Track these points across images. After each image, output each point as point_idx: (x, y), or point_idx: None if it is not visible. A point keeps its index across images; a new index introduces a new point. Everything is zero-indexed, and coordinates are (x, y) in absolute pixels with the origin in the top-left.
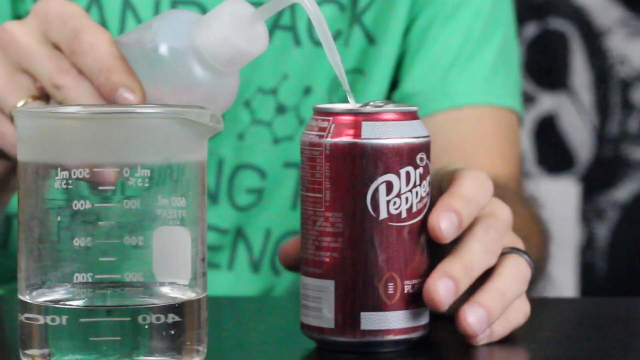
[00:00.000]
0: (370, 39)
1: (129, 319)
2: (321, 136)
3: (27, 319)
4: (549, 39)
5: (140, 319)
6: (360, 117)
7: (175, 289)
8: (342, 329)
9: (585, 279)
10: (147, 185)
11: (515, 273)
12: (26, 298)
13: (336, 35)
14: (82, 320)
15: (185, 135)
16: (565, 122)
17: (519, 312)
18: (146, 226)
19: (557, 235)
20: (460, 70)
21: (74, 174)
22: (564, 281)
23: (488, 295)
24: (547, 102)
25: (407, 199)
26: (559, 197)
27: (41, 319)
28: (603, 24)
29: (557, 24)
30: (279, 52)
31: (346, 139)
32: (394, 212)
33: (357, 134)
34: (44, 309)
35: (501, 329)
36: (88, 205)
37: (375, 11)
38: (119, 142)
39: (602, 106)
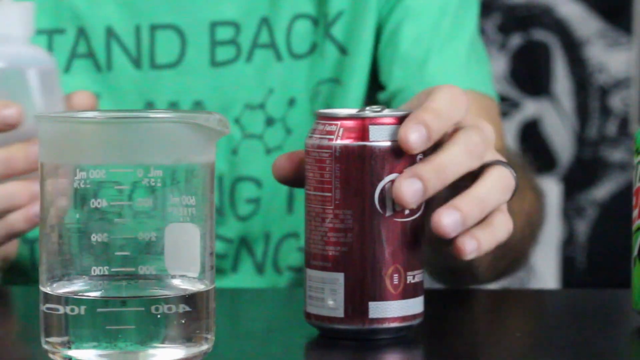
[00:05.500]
0: (343, 50)
1: (142, 309)
2: (330, 139)
3: (48, 309)
4: (533, 49)
5: (153, 309)
6: (366, 121)
7: (185, 281)
8: (351, 318)
9: (567, 272)
10: (159, 184)
11: (497, 181)
12: (47, 289)
13: (313, 48)
14: (99, 310)
15: (195, 138)
16: (548, 126)
17: (502, 228)
18: (158, 223)
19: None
20: (436, 62)
21: (91, 174)
22: (547, 274)
23: (465, 200)
24: (531, 107)
25: None
26: None
27: (61, 309)
28: (583, 35)
29: (540, 35)
30: (262, 69)
31: (355, 141)
32: (398, 209)
33: (365, 137)
34: (64, 300)
35: (487, 242)
36: (104, 204)
37: (345, 24)
38: (133, 144)
39: (582, 111)
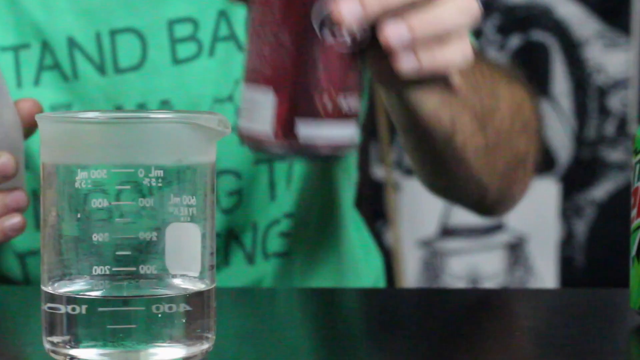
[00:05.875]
0: None
1: (143, 308)
2: None
3: (49, 308)
4: (532, 50)
5: (154, 308)
6: None
7: (186, 281)
8: (279, 136)
9: (565, 272)
10: (160, 184)
11: (457, 3)
12: (48, 289)
13: None
14: (100, 309)
15: (195, 138)
16: (547, 127)
17: (457, 52)
18: (159, 223)
19: (539, 231)
20: None
21: (93, 174)
22: (546, 273)
23: (418, 14)
24: None
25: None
26: (541, 196)
27: (62, 309)
28: (581, 36)
29: (539, 35)
30: (226, 62)
31: None
32: (339, 37)
33: None
34: (65, 299)
35: (430, 61)
36: (106, 204)
37: None
38: (134, 144)
39: (581, 112)
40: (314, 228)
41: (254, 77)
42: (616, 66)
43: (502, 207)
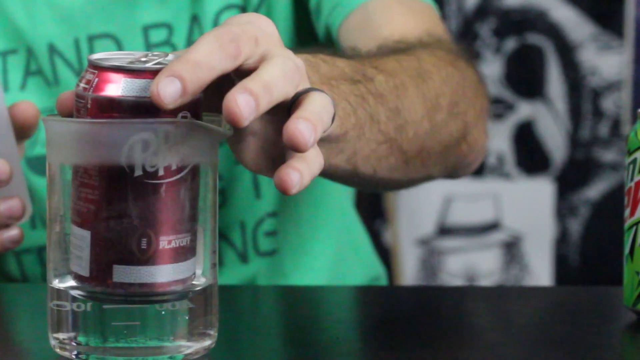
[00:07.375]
0: None
1: (147, 305)
2: (86, 89)
3: (55, 305)
4: (527, 53)
5: (157, 305)
6: (122, 73)
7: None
8: (96, 278)
9: (560, 270)
10: None
11: (321, 106)
12: (54, 286)
13: None
14: (104, 307)
15: (198, 139)
16: (542, 128)
17: (316, 161)
18: None
19: (535, 230)
20: None
21: None
22: (541, 271)
23: (296, 120)
24: (525, 109)
25: (165, 157)
26: (536, 196)
27: (68, 306)
28: (576, 39)
29: (534, 38)
30: None
31: (105, 94)
32: (149, 169)
33: (117, 90)
34: (71, 297)
35: (307, 175)
36: None
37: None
38: (137, 146)
39: (575, 113)
40: (304, 226)
41: (75, 217)
42: (610, 68)
43: (460, 173)
